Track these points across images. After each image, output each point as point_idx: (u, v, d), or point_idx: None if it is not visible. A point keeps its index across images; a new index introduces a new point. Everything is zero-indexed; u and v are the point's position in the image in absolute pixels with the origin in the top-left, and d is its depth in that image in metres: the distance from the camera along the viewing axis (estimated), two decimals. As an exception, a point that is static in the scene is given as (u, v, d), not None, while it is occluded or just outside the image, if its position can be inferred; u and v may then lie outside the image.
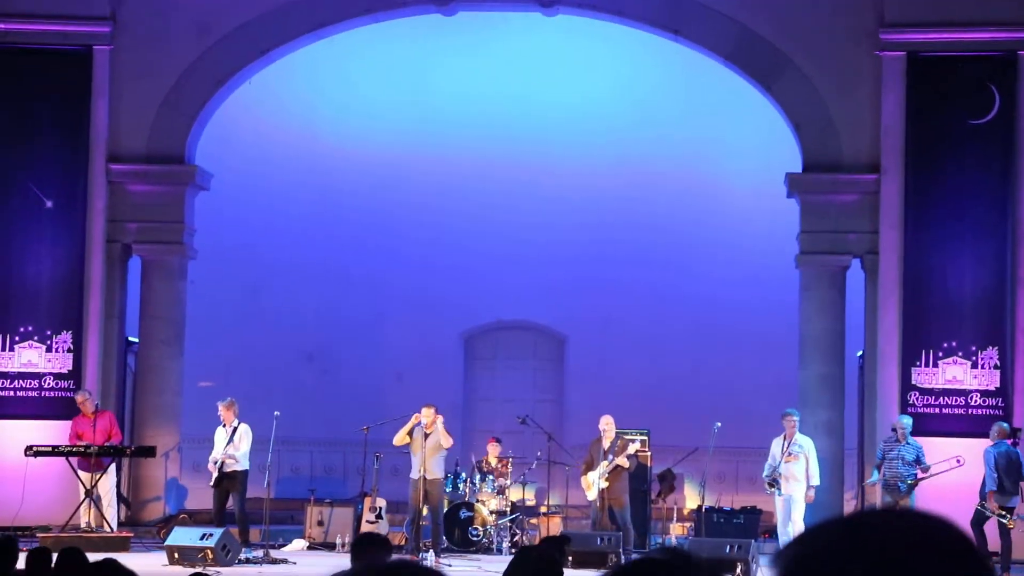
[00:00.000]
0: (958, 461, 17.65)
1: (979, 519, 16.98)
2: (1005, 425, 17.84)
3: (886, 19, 19.87)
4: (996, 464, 17.18)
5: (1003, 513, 16.92)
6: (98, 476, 18.46)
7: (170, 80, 20.82)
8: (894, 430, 17.95)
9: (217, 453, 18.50)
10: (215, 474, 18.44)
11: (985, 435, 19.07)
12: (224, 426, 18.61)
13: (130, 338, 21.35)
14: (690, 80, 22.66)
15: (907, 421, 18.05)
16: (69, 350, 20.24)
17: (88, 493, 18.30)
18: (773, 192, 21.10)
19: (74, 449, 18.62)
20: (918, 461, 17.64)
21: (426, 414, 18.07)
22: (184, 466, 21.42)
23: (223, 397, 18.92)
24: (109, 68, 20.56)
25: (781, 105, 20.52)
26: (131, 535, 18.31)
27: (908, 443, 17.71)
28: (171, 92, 20.81)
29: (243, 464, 18.51)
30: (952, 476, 17.82)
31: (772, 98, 20.59)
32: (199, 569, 15.58)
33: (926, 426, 18.96)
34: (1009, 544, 16.98)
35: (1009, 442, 17.59)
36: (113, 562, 7.46)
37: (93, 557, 7.41)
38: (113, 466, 19.04)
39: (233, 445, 18.39)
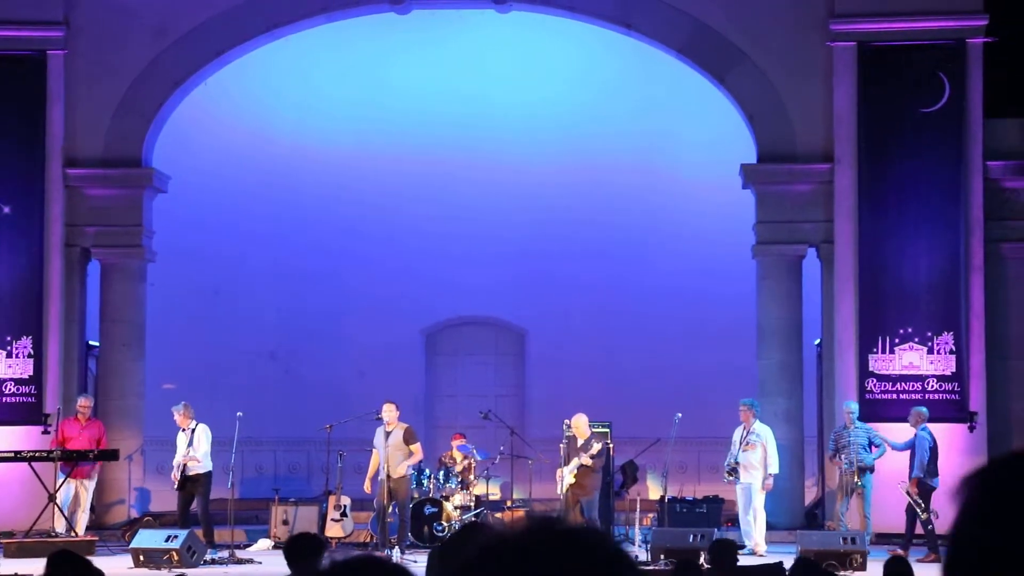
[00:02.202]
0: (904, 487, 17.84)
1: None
2: (924, 410, 18.12)
3: (836, 10, 20.05)
4: (930, 448, 17.54)
5: (920, 503, 17.20)
6: (61, 482, 18.51)
7: (125, 83, 20.80)
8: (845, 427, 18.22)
9: (179, 457, 18.56)
10: (178, 477, 18.49)
11: (942, 420, 19.36)
12: (183, 430, 18.68)
13: (91, 342, 21.34)
14: (644, 74, 22.78)
15: (853, 406, 18.29)
16: (29, 355, 20.23)
17: (51, 498, 18.31)
18: (728, 184, 21.24)
19: (36, 455, 18.68)
20: (872, 444, 17.93)
21: (387, 411, 18.15)
22: (148, 469, 21.43)
23: (177, 403, 18.92)
24: (64, 72, 20.53)
25: (734, 97, 20.67)
26: (96, 539, 18.31)
27: (857, 427, 17.94)
28: (127, 95, 20.79)
29: (206, 465, 18.56)
30: (893, 460, 18.16)
31: (725, 90, 20.74)
32: (166, 572, 15.64)
33: (884, 412, 19.22)
34: (915, 524, 17.37)
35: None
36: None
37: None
38: (96, 473, 19.26)
39: (193, 447, 18.45)
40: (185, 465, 18.45)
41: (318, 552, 8.70)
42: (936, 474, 17.59)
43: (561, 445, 18.30)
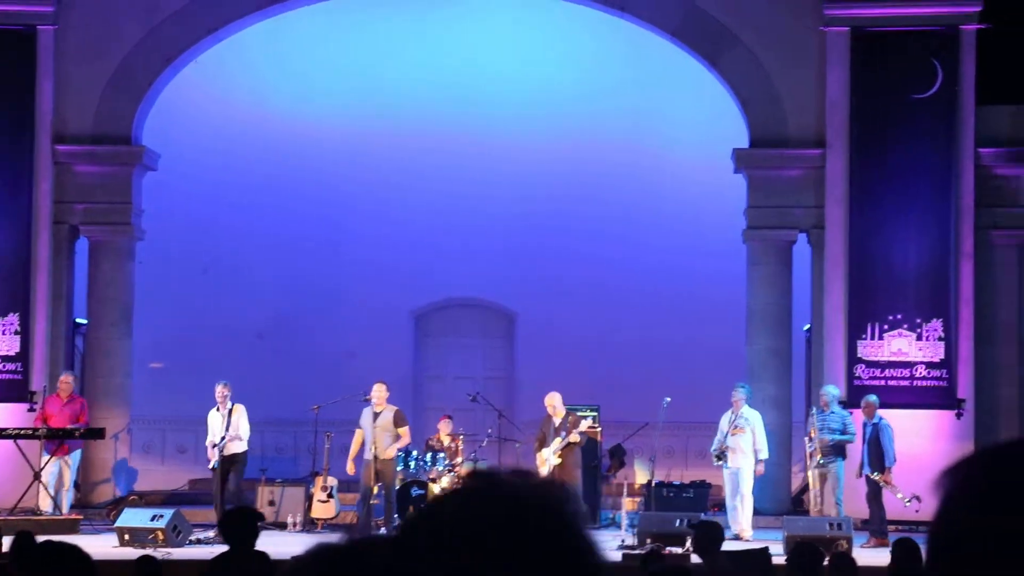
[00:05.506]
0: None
1: (877, 492, 17.28)
2: (875, 398, 17.97)
3: (830, -6, 20.00)
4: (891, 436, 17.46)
5: (899, 491, 17.03)
6: (46, 460, 18.44)
7: (116, 60, 20.70)
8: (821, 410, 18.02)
9: (215, 436, 18.22)
10: (214, 457, 18.17)
11: (930, 406, 19.35)
12: (218, 409, 18.39)
13: (78, 320, 21.27)
14: (637, 54, 22.69)
15: (830, 390, 18.11)
16: (16, 332, 20.17)
17: (36, 476, 18.25)
18: (720, 166, 21.19)
19: (21, 432, 18.61)
20: (844, 431, 17.71)
21: (377, 391, 18.12)
22: (134, 448, 21.37)
23: (219, 379, 18.58)
24: (54, 48, 20.42)
25: (727, 81, 20.61)
26: (80, 517, 18.27)
27: (833, 412, 17.78)
28: (117, 72, 20.70)
29: (245, 444, 18.30)
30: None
31: (718, 74, 20.68)
32: (148, 551, 15.59)
33: (872, 399, 19.17)
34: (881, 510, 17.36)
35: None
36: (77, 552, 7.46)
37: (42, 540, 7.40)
38: (79, 451, 19.13)
39: (233, 426, 18.13)
40: (223, 446, 18.07)
41: (254, 528, 8.42)
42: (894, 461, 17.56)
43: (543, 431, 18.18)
